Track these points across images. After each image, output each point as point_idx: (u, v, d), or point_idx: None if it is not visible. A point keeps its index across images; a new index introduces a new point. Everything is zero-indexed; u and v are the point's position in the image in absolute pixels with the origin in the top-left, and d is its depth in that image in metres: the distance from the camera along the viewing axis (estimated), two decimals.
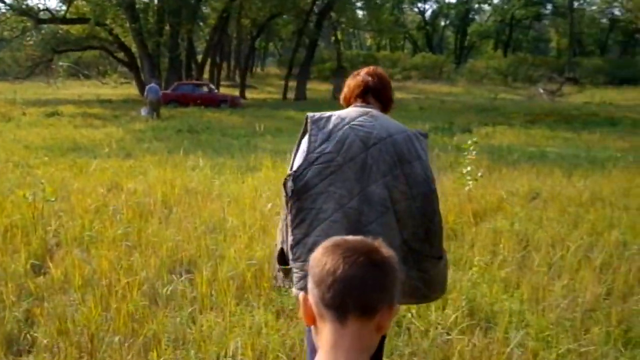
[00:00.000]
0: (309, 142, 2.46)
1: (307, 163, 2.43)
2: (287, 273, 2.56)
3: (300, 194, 2.43)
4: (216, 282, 4.49)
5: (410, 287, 2.49)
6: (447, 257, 2.64)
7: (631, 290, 4.49)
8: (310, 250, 2.55)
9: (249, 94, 37.54)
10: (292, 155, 2.56)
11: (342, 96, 2.73)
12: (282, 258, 2.59)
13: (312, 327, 1.25)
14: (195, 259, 5.04)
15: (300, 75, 37.05)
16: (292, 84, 37.09)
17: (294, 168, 2.47)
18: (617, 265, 4.92)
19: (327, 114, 2.54)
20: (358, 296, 1.16)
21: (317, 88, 42.27)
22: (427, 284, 2.53)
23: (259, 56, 63.74)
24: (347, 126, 2.47)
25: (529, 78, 49.08)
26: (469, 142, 7.05)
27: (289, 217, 2.48)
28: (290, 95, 36.33)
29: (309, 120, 2.51)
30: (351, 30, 56.73)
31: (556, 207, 6.89)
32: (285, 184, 2.47)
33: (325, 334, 1.19)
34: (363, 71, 2.71)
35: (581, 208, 6.88)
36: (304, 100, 34.92)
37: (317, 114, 2.54)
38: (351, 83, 2.69)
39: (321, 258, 1.20)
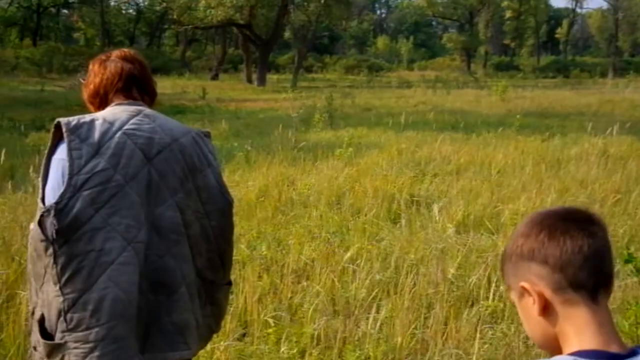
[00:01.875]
0: (71, 159, 1.76)
1: (72, 189, 1.74)
2: (55, 350, 1.75)
3: (69, 233, 1.72)
4: None
5: (206, 329, 2.04)
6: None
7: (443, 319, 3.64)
8: (97, 310, 1.73)
9: None
10: (41, 180, 1.79)
11: (87, 91, 2.02)
12: (45, 329, 1.79)
13: (541, 317, 1.05)
14: None
15: None
16: None
17: (53, 199, 1.73)
18: (403, 283, 4.04)
19: (87, 117, 1.86)
20: (608, 267, 1.06)
21: None
22: (217, 319, 2.11)
23: None
24: (119, 132, 1.85)
25: (65, 68, 46.71)
26: None
27: (54, 270, 1.74)
28: None
29: (64, 129, 1.79)
30: None
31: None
32: (41, 223, 1.73)
33: (577, 318, 1.02)
34: (114, 55, 2.05)
35: (292, 211, 5.88)
36: None
37: (73, 119, 1.82)
38: (103, 72, 1.99)
39: (551, 239, 1.03)
